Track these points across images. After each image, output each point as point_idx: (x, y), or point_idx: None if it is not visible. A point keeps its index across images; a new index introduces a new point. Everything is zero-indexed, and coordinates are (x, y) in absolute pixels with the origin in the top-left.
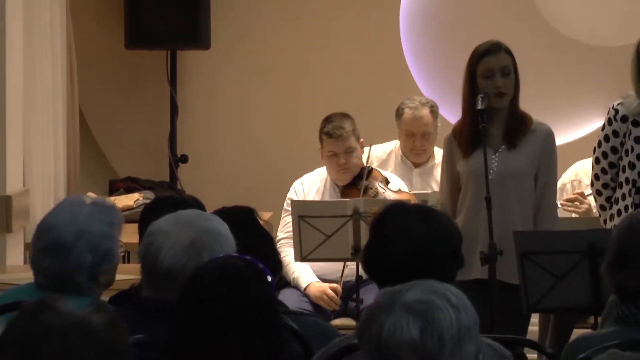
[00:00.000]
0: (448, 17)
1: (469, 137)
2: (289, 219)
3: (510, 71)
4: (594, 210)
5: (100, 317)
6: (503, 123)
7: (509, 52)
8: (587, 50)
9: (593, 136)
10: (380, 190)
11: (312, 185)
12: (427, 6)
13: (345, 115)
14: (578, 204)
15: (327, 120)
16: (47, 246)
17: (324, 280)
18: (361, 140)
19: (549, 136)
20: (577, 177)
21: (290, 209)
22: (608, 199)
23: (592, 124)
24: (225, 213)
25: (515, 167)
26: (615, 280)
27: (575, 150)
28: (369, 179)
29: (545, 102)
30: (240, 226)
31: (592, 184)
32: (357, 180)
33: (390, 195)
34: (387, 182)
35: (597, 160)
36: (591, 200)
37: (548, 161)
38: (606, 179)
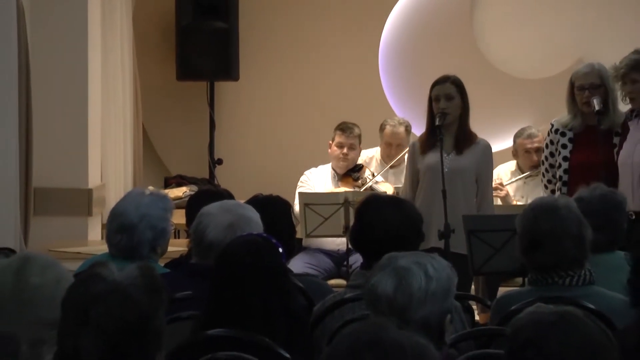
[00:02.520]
0: (414, 56)
1: (426, 141)
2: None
3: (454, 97)
4: (512, 196)
5: (138, 282)
6: (453, 135)
7: (455, 83)
8: (515, 82)
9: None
10: (368, 179)
11: (319, 174)
12: (399, 49)
13: (356, 124)
14: (499, 191)
15: (343, 122)
16: (118, 226)
17: (321, 249)
18: (360, 146)
19: (487, 148)
20: (498, 177)
21: (301, 192)
22: (552, 192)
23: (510, 140)
24: (270, 199)
25: (461, 166)
26: (531, 260)
27: (499, 157)
28: (360, 172)
29: (482, 120)
30: (277, 211)
31: (541, 179)
32: (352, 173)
33: (374, 184)
34: (373, 175)
35: (542, 162)
36: (509, 188)
37: (486, 166)
38: (549, 177)
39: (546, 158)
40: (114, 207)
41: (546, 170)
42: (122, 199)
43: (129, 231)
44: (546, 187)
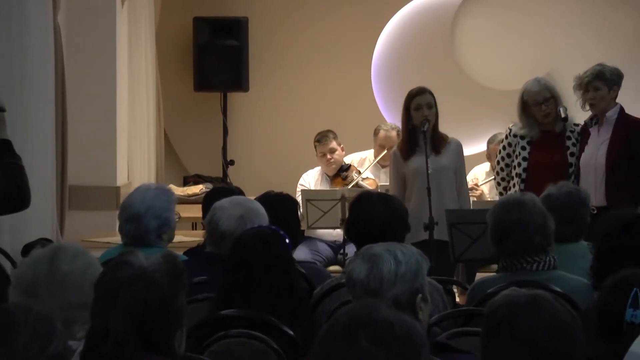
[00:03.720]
0: (402, 70)
1: (407, 148)
2: (298, 193)
3: (432, 106)
4: (487, 195)
5: (162, 269)
6: (429, 139)
7: (431, 94)
8: (490, 93)
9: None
10: (355, 177)
11: (312, 176)
12: (389, 64)
13: (329, 130)
14: (474, 191)
15: (318, 134)
16: (127, 217)
17: (322, 240)
18: (341, 145)
19: (459, 146)
20: (474, 176)
21: (300, 188)
22: (505, 188)
23: (484, 144)
24: (279, 196)
25: (442, 165)
26: (502, 247)
27: (475, 159)
28: (348, 172)
29: (458, 128)
30: (284, 206)
31: (495, 178)
32: (341, 172)
33: (360, 181)
34: (359, 172)
35: (498, 162)
36: (484, 188)
37: (461, 160)
38: (503, 175)
39: (502, 158)
40: (124, 201)
41: (501, 169)
42: (130, 194)
43: (136, 221)
44: (499, 184)
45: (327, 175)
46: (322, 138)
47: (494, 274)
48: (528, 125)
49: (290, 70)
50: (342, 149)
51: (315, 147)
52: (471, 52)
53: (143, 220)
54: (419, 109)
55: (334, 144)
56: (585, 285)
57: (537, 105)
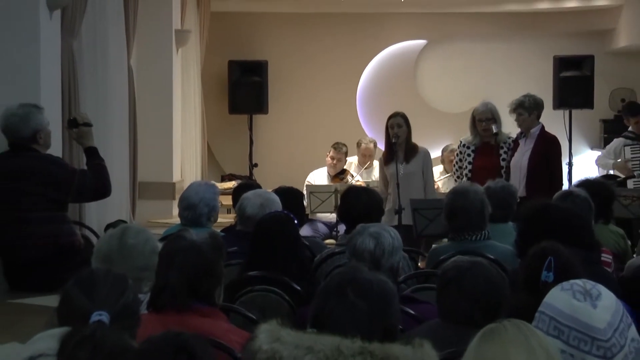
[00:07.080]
0: (378, 99)
1: (386, 157)
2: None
3: (402, 125)
4: (441, 188)
5: (207, 242)
6: (403, 150)
7: (402, 116)
8: (443, 115)
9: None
10: (349, 179)
11: (318, 175)
12: (369, 94)
13: (344, 144)
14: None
15: (336, 142)
16: (185, 206)
17: (320, 221)
18: (347, 158)
19: (427, 154)
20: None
21: (307, 184)
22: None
23: (438, 152)
24: (289, 189)
25: (410, 170)
26: (450, 224)
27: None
28: (344, 175)
29: (418, 141)
30: (293, 196)
31: (452, 175)
32: (339, 175)
33: (352, 181)
34: (352, 176)
35: (453, 166)
36: (439, 183)
37: (428, 165)
38: (457, 175)
39: (456, 162)
40: (182, 194)
41: (455, 170)
42: (186, 189)
43: (192, 209)
44: (455, 181)
45: (329, 174)
46: (337, 147)
47: (445, 242)
48: (473, 134)
49: (298, 98)
50: (346, 161)
51: (330, 148)
52: (428, 86)
53: (197, 208)
54: (392, 128)
55: (342, 156)
56: (510, 251)
57: (480, 121)
